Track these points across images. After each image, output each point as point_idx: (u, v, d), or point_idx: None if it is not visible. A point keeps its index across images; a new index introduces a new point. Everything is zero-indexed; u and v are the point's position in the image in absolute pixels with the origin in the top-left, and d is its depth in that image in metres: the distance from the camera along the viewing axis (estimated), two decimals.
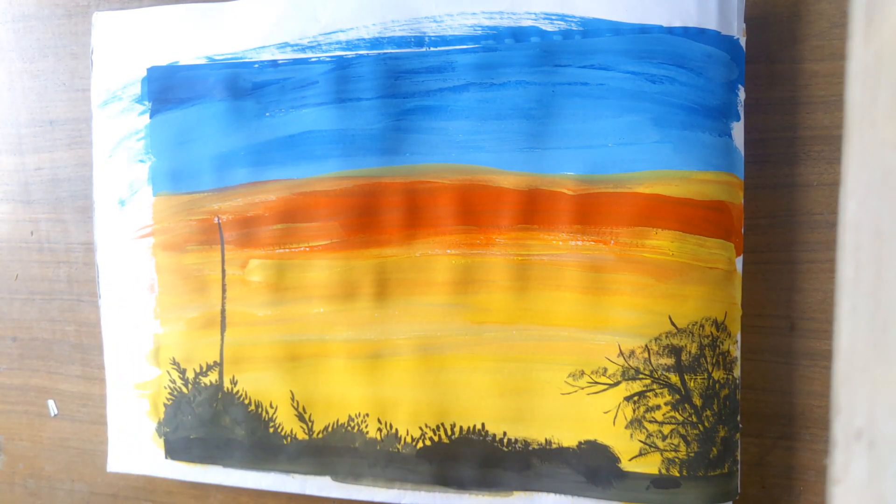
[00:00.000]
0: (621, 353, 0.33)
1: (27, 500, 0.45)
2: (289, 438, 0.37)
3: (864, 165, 0.15)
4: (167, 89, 0.38)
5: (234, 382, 0.38)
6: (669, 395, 0.33)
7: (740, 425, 0.34)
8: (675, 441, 0.33)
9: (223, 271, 0.37)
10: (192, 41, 0.38)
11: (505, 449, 0.35)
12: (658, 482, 0.33)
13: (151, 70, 0.38)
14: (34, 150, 0.44)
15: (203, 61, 0.37)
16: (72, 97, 0.43)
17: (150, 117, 0.38)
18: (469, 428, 0.35)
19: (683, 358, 0.33)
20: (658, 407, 0.33)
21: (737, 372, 0.33)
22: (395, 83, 0.35)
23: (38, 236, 0.44)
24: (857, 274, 0.15)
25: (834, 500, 0.15)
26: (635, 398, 0.33)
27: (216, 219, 0.37)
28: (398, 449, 0.36)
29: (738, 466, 0.33)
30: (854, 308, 0.15)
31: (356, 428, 0.36)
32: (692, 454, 0.33)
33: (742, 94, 0.33)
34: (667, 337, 0.33)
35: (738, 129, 0.33)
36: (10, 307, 0.45)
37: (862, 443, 0.15)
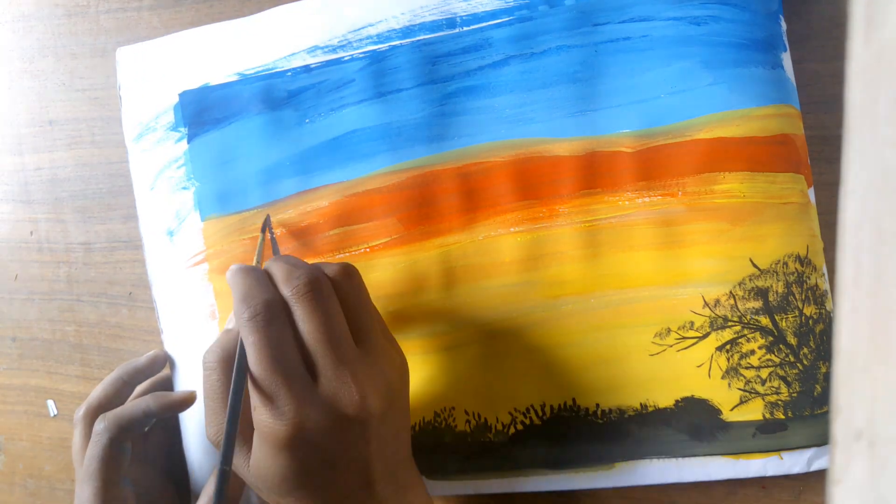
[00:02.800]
0: (706, 304, 0.33)
1: (27, 500, 0.45)
2: None
3: (864, 165, 0.15)
4: (202, 111, 0.37)
5: None
6: (762, 338, 0.32)
7: None
8: (776, 384, 0.32)
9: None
10: (220, 60, 0.37)
11: (600, 421, 0.34)
12: (764, 427, 0.32)
13: (183, 94, 0.37)
14: (34, 150, 0.44)
15: (234, 78, 0.37)
16: (71, 97, 0.43)
17: (188, 142, 0.37)
18: (560, 406, 0.34)
19: (771, 298, 0.32)
20: (752, 352, 0.32)
21: (829, 305, 0.32)
22: (433, 68, 0.35)
23: (37, 236, 0.44)
24: (857, 274, 0.15)
25: (834, 500, 0.15)
26: (727, 347, 0.33)
27: (270, 231, 0.37)
28: (490, 438, 0.35)
29: None
30: (854, 308, 0.15)
31: (443, 423, 0.36)
32: (795, 394, 0.32)
33: (784, 25, 0.33)
34: (750, 280, 0.32)
35: (786, 60, 0.33)
36: (9, 307, 0.45)
37: (862, 443, 0.15)
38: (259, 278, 0.30)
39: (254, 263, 0.34)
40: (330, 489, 0.28)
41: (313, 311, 0.28)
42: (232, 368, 0.29)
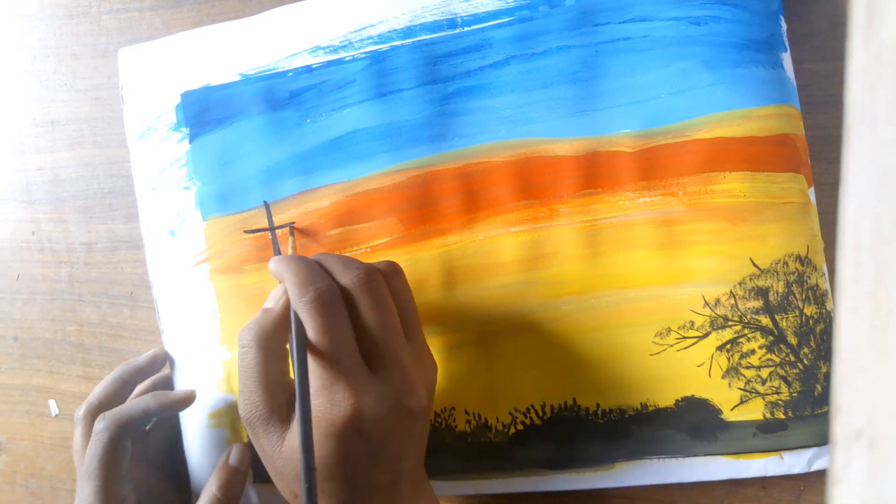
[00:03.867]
0: (706, 304, 0.33)
1: (28, 499, 0.45)
2: None
3: (864, 165, 0.15)
4: (203, 112, 0.37)
5: None
6: (762, 337, 0.32)
7: None
8: (776, 383, 0.32)
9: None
10: (222, 61, 0.37)
11: (600, 421, 0.34)
12: (764, 427, 0.32)
13: (185, 95, 0.37)
14: (35, 150, 0.44)
15: (236, 78, 0.37)
16: (73, 97, 0.43)
17: (190, 142, 0.38)
18: (560, 405, 0.34)
19: (771, 298, 0.32)
20: (753, 352, 0.32)
21: (829, 305, 0.32)
22: (434, 69, 0.35)
23: (39, 236, 0.44)
24: (857, 274, 0.15)
25: (834, 500, 0.15)
26: (728, 346, 0.33)
27: (269, 219, 0.37)
28: (490, 438, 0.35)
29: None
30: (854, 308, 0.15)
31: (444, 424, 0.36)
32: (795, 394, 0.32)
33: (784, 25, 0.33)
34: (751, 280, 0.32)
35: (786, 60, 0.33)
36: (11, 307, 0.45)
37: (862, 443, 0.15)
38: (314, 265, 0.30)
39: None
40: (360, 481, 0.29)
41: (375, 300, 0.29)
42: (267, 347, 0.29)
